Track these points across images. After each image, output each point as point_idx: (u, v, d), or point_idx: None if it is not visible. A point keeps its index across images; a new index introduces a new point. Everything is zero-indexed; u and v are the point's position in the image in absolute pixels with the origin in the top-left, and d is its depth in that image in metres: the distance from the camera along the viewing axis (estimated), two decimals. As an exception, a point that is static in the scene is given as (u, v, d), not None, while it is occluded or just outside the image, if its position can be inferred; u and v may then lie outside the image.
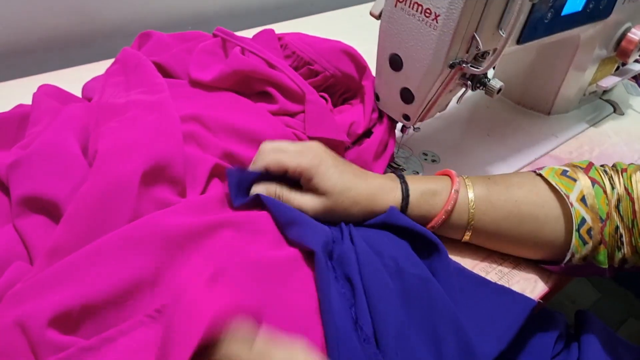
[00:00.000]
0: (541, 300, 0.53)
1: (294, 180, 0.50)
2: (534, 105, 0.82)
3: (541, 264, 0.56)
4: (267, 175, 0.49)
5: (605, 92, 0.86)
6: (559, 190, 0.51)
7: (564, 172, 0.52)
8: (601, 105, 0.86)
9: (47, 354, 0.34)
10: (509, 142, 0.75)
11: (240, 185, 0.49)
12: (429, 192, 0.52)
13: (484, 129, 0.77)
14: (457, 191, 0.51)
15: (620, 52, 0.76)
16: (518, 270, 0.56)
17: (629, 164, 0.53)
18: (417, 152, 0.70)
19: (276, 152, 0.49)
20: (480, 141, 0.74)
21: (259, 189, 0.49)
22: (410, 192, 0.51)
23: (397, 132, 0.65)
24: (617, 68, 0.83)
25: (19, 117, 0.54)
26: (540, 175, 0.53)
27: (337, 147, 0.59)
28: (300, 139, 0.58)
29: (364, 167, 0.57)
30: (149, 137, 0.48)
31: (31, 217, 0.45)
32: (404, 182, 0.52)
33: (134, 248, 0.40)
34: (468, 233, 0.53)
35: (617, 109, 0.85)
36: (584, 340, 0.55)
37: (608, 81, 0.79)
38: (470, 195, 0.52)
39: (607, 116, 0.84)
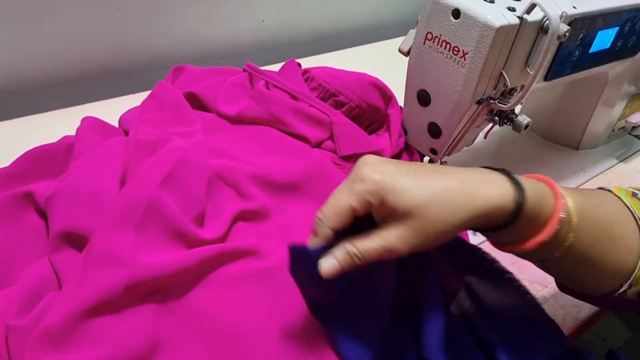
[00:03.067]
0: (568, 340, 0.52)
1: (366, 222, 0.38)
2: (561, 141, 0.82)
3: (585, 300, 0.46)
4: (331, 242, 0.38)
5: (634, 127, 0.86)
6: (634, 213, 0.42)
7: (634, 194, 0.44)
8: (630, 140, 0.86)
9: None
10: (536, 176, 0.75)
11: (307, 265, 0.38)
12: (539, 189, 0.38)
13: (511, 163, 0.77)
14: (562, 194, 0.39)
15: (649, 88, 0.76)
16: (544, 306, 0.54)
17: None
18: (444, 186, 0.70)
19: (332, 207, 0.37)
20: (508, 176, 0.74)
21: (328, 262, 0.37)
22: (523, 184, 0.37)
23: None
24: (647, 104, 0.83)
25: (65, 149, 0.57)
26: (610, 191, 0.44)
27: None
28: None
29: None
30: (172, 163, 0.50)
31: (64, 252, 0.46)
32: (504, 172, 0.39)
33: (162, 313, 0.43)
34: (558, 252, 0.39)
35: (646, 145, 0.85)
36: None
37: (637, 117, 0.79)
38: (570, 202, 0.39)
39: (637, 152, 0.83)
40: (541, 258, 0.40)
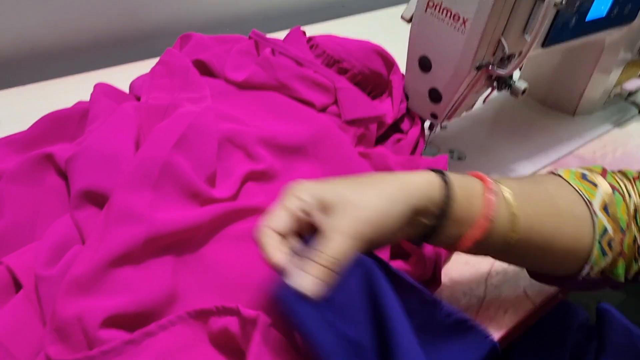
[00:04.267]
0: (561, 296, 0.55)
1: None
2: (559, 106, 0.84)
3: (553, 283, 0.49)
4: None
5: (630, 94, 0.88)
6: (582, 195, 0.44)
7: (583, 176, 0.46)
8: (626, 107, 0.88)
9: (98, 345, 0.39)
10: (533, 141, 0.77)
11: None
12: (463, 176, 0.41)
13: (509, 128, 0.79)
14: (492, 182, 0.41)
15: (644, 55, 0.78)
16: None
17: (639, 172, 0.49)
18: (444, 150, 0.73)
19: (269, 214, 0.37)
20: (506, 140, 0.77)
21: (305, 281, 0.33)
22: (451, 179, 0.39)
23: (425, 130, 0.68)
24: (643, 71, 0.85)
25: (80, 113, 0.59)
26: (559, 176, 0.47)
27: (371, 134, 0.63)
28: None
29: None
30: (184, 127, 0.53)
31: (86, 210, 0.49)
32: (431, 169, 0.41)
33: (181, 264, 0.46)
34: (513, 234, 0.40)
35: (642, 111, 0.87)
36: (604, 333, 0.57)
37: (632, 84, 0.81)
38: (503, 187, 0.41)
39: (632, 118, 0.86)
40: (497, 247, 0.41)
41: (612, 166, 0.73)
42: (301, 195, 0.36)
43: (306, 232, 0.37)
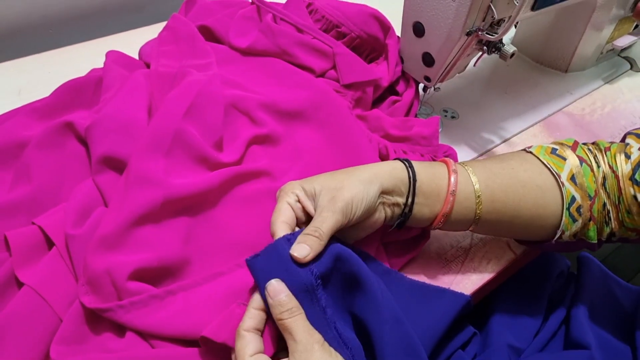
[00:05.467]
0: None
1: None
2: (552, 63, 0.87)
3: (530, 245, 0.56)
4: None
5: (623, 49, 0.90)
6: (550, 169, 0.50)
7: (553, 151, 0.52)
8: (619, 62, 0.90)
9: (126, 297, 0.44)
10: (525, 99, 0.80)
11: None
12: (429, 165, 0.49)
13: (502, 86, 0.82)
14: (454, 163, 0.50)
15: (636, 12, 0.79)
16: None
17: (611, 143, 0.53)
18: (437, 110, 0.76)
19: (274, 213, 0.44)
20: (498, 98, 0.80)
21: (298, 248, 0.40)
22: (413, 163, 0.48)
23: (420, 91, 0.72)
24: (636, 26, 0.86)
25: (95, 81, 0.63)
26: (530, 152, 0.53)
27: (368, 97, 0.67)
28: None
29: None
30: (193, 96, 0.57)
31: (106, 174, 0.54)
32: (398, 159, 0.49)
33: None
34: (480, 206, 0.48)
35: (633, 66, 0.89)
36: (582, 280, 0.62)
37: (624, 40, 0.83)
38: (468, 167, 0.50)
39: (623, 73, 0.88)
40: (468, 220, 0.49)
41: (600, 122, 0.77)
42: (294, 189, 0.45)
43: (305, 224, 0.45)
